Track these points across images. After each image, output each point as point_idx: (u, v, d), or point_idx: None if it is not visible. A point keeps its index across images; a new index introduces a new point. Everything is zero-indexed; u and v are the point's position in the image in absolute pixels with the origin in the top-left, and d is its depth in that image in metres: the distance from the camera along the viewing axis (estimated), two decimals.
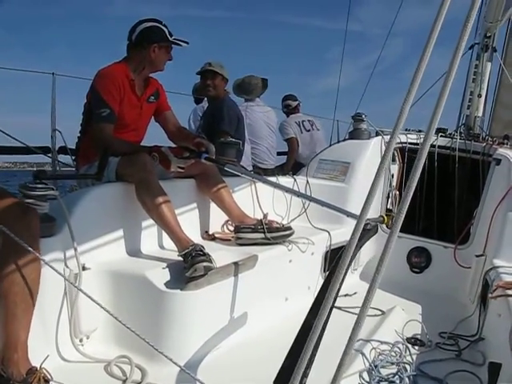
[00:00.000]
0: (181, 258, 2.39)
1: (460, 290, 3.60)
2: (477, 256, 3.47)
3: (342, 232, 3.47)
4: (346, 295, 3.31)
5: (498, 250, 3.29)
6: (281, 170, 4.98)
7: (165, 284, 2.28)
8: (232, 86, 5.24)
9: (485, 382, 2.18)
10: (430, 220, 4.21)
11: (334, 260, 1.65)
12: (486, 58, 4.75)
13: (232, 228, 3.17)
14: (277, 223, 3.15)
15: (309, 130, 6.06)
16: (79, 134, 3.02)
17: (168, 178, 2.93)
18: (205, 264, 2.29)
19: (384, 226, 4.04)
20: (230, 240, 3.08)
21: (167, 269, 2.39)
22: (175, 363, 1.61)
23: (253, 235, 2.99)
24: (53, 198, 2.15)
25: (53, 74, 4.28)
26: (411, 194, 0.94)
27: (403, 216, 0.95)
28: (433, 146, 4.20)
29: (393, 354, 2.56)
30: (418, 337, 2.83)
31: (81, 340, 2.24)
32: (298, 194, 3.18)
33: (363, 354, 2.46)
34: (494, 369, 1.98)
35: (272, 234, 3.00)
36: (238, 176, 3.01)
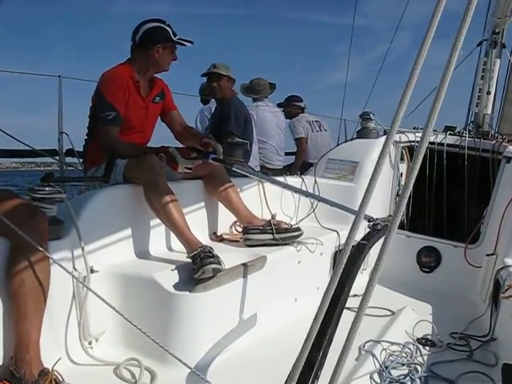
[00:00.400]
0: (189, 260, 2.38)
1: (471, 290, 3.57)
2: (487, 255, 3.43)
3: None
4: (354, 295, 3.28)
5: (509, 249, 3.25)
6: (289, 170, 4.98)
7: (173, 286, 2.27)
8: (240, 88, 5.25)
9: (497, 383, 2.15)
10: (439, 219, 4.18)
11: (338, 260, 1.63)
12: (495, 55, 4.70)
13: (240, 229, 3.16)
14: (285, 224, 3.14)
15: (318, 131, 6.08)
16: (86, 137, 3.03)
17: (176, 179, 2.93)
18: (213, 266, 2.27)
19: None
20: (238, 241, 3.06)
21: (176, 271, 2.38)
22: (186, 365, 1.60)
23: (261, 236, 2.97)
24: (60, 201, 2.15)
25: (59, 76, 4.29)
26: (409, 192, 0.93)
27: (401, 214, 0.94)
28: (441, 144, 4.17)
29: (403, 354, 2.54)
30: (429, 337, 2.80)
31: (90, 343, 2.23)
32: (306, 194, 3.16)
33: (373, 355, 2.44)
34: (509, 370, 1.95)
35: (281, 234, 2.99)
36: (246, 176, 2.99)
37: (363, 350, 2.52)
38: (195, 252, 2.35)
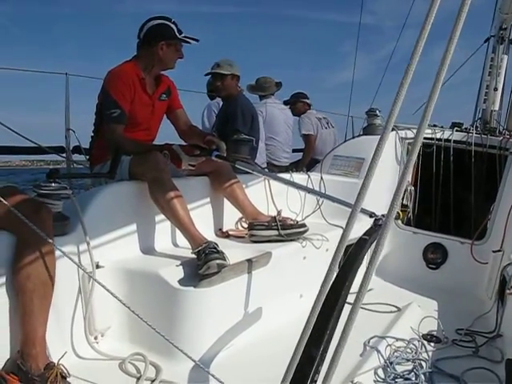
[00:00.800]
0: (194, 256, 2.39)
1: (477, 286, 3.56)
2: (494, 251, 3.42)
3: (357, 228, 3.43)
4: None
5: None
6: (295, 167, 4.98)
7: (178, 281, 2.28)
8: (246, 87, 5.25)
9: (503, 379, 2.15)
10: (446, 215, 4.17)
11: (347, 255, 1.64)
12: (502, 51, 4.68)
13: (246, 225, 3.16)
14: (291, 220, 3.14)
15: (326, 128, 6.09)
16: (92, 134, 3.05)
17: (181, 175, 2.94)
18: (218, 261, 2.28)
19: (399, 221, 4.02)
20: (243, 237, 3.08)
21: (181, 266, 2.40)
22: (191, 359, 1.61)
23: (267, 232, 2.98)
24: (66, 197, 2.16)
25: (66, 74, 4.32)
26: (404, 186, 0.93)
27: (396, 209, 0.94)
28: (448, 140, 4.16)
29: (408, 350, 2.54)
30: (434, 333, 2.80)
31: (95, 338, 2.25)
32: (308, 191, 3.16)
33: (378, 351, 2.45)
34: None
35: (286, 230, 2.99)
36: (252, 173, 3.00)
37: (368, 346, 2.52)
38: (200, 248, 2.36)
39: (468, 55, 5.40)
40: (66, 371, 1.81)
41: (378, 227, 1.85)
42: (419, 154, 4.15)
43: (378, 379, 2.25)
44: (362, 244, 1.68)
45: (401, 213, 3.84)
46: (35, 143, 3.45)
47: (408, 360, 2.43)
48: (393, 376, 2.27)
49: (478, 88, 4.91)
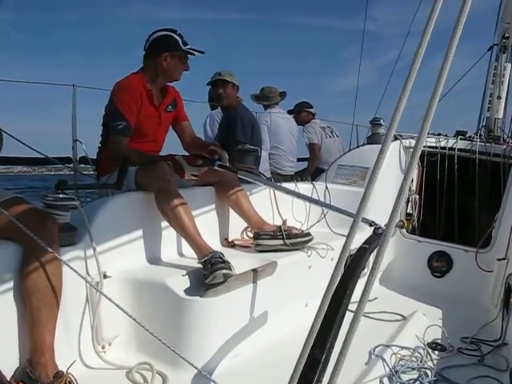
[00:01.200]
0: (200, 266, 2.41)
1: (482, 295, 3.56)
2: (499, 260, 3.42)
3: (362, 237, 3.44)
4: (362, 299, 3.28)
5: None
6: (300, 176, 5.00)
7: (185, 291, 2.30)
8: (251, 97, 5.29)
9: None
10: (450, 224, 4.17)
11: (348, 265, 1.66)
12: (505, 59, 4.70)
13: (251, 235, 3.18)
14: (296, 229, 3.15)
15: (330, 137, 6.11)
16: (99, 145, 3.08)
17: (187, 186, 2.96)
18: (224, 271, 2.30)
19: (404, 230, 4.03)
20: (249, 247, 3.09)
21: (187, 276, 2.42)
22: (197, 369, 1.63)
23: (272, 242, 2.99)
24: (74, 208, 2.19)
25: (73, 85, 4.37)
26: (404, 195, 0.95)
27: (397, 218, 0.96)
28: (452, 149, 4.17)
29: (413, 359, 2.53)
30: (440, 342, 2.80)
31: (103, 347, 2.27)
32: (311, 200, 3.17)
33: (383, 360, 2.45)
34: None
35: (291, 240, 3.00)
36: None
37: (373, 355, 2.52)
38: (206, 258, 2.38)
39: (472, 63, 5.43)
40: (74, 380, 1.83)
41: (377, 236, 1.87)
42: (424, 162, 4.17)
43: None
44: (362, 252, 1.70)
45: (405, 221, 3.85)
46: (42, 154, 3.49)
47: (413, 369, 2.43)
48: None
49: (482, 96, 4.93)
